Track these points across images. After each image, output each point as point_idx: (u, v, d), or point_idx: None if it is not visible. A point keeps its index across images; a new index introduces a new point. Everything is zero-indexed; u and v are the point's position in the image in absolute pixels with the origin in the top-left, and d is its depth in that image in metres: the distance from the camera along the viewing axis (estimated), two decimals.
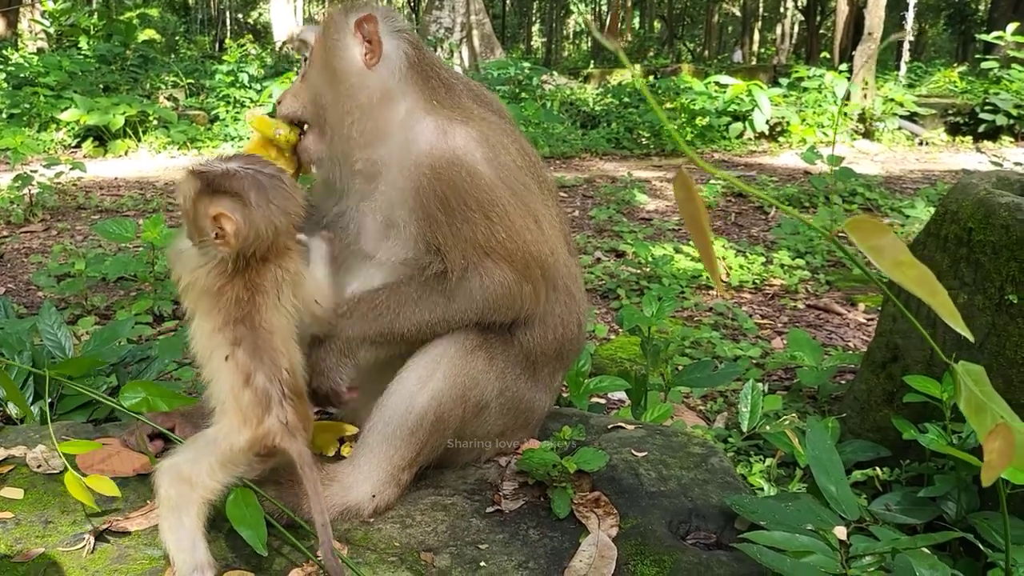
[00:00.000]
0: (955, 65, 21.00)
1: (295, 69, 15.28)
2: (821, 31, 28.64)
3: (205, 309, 1.98)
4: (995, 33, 15.09)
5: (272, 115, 2.42)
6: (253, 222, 1.92)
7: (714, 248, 1.12)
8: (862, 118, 13.83)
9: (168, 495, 1.89)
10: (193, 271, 1.99)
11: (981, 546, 2.22)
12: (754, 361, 4.61)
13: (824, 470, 2.30)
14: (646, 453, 2.53)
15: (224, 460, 1.93)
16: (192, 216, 1.98)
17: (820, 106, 13.83)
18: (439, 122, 2.22)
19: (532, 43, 44.80)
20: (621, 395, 3.97)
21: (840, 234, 1.12)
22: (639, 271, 6.16)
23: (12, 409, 2.93)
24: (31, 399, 2.97)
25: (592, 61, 30.72)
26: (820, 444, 2.38)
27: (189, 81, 15.47)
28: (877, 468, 2.89)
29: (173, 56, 18.83)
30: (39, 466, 2.40)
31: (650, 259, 6.09)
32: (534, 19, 47.10)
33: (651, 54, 32.83)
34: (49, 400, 3.02)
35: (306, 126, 2.36)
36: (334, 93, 2.25)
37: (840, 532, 2.02)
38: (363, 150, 2.26)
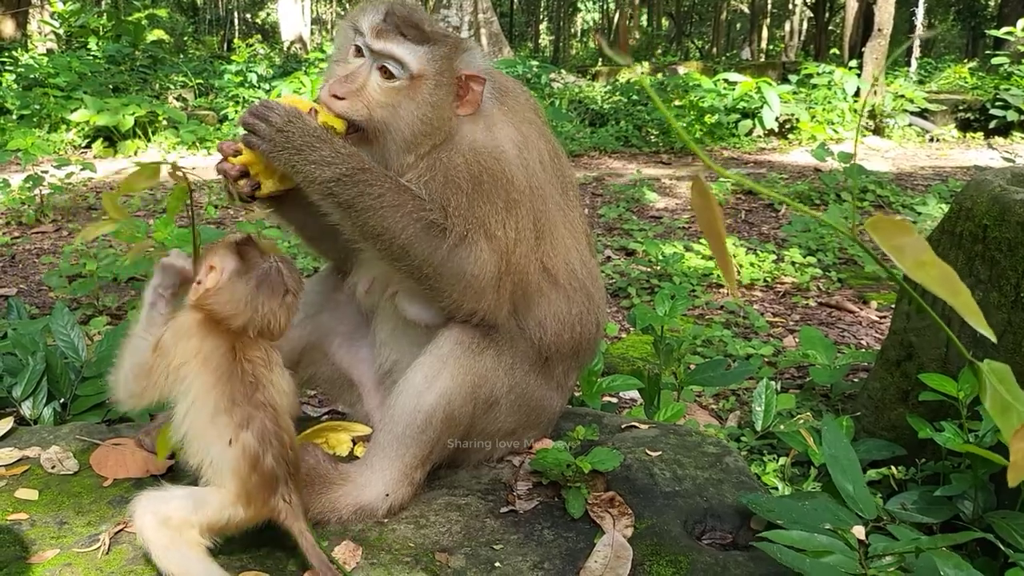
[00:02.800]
0: (965, 61, 20.91)
1: (304, 68, 15.29)
2: (830, 27, 28.54)
3: (204, 388, 1.90)
4: (1005, 28, 15.02)
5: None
6: (233, 291, 1.92)
7: (727, 248, 1.12)
8: (872, 115, 13.77)
9: (156, 539, 1.84)
10: (189, 339, 1.93)
11: (1001, 546, 2.20)
12: (766, 359, 4.60)
13: (841, 469, 2.29)
14: (660, 453, 2.52)
15: (217, 527, 1.89)
16: (204, 258, 2.00)
17: (830, 103, 13.77)
18: (487, 122, 2.28)
19: (540, 41, 44.77)
20: (634, 394, 3.96)
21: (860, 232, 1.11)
22: (649, 269, 6.14)
23: (26, 410, 2.94)
24: (44, 400, 2.97)
25: (600, 59, 30.67)
26: (837, 443, 2.37)
27: (198, 81, 15.49)
28: (892, 467, 2.87)
29: (182, 56, 18.87)
30: (53, 467, 2.40)
31: (660, 257, 6.07)
32: (542, 17, 47.06)
33: (659, 51, 32.73)
34: (63, 400, 3.03)
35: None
36: (423, 123, 2.22)
37: (858, 531, 2.01)
38: (418, 158, 2.26)
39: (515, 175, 2.24)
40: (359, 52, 2.27)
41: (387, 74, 2.21)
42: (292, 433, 2.00)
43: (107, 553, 2.02)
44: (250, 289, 1.93)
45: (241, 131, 2.22)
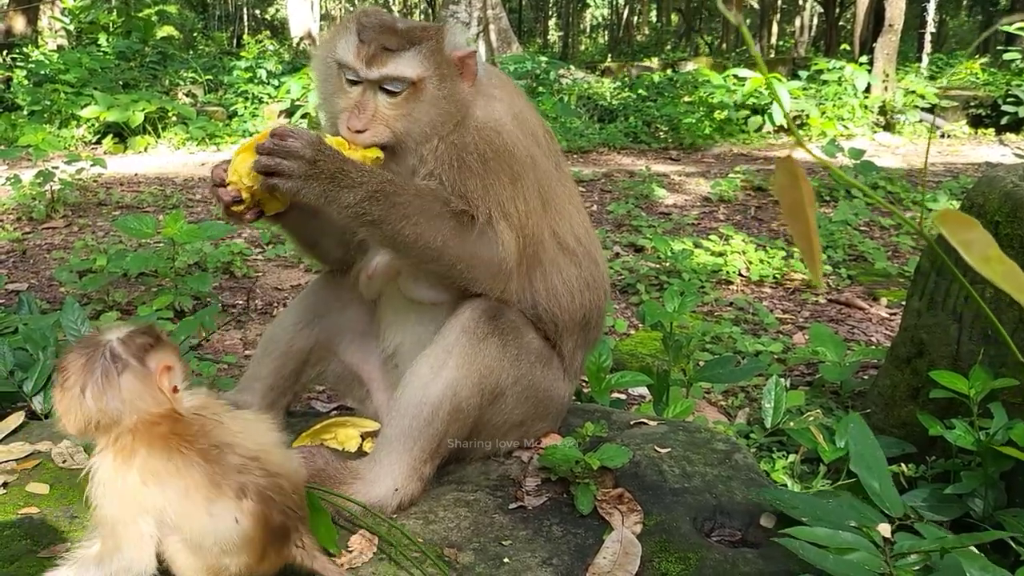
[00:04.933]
0: (977, 56, 20.77)
1: (309, 63, 15.29)
2: (840, 23, 28.39)
3: (184, 499, 1.69)
4: (1018, 24, 14.92)
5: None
6: (81, 406, 1.69)
7: (816, 234, 1.02)
8: (883, 111, 13.70)
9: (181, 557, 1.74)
10: (126, 480, 1.70)
11: (1013, 544, 2.19)
12: (775, 356, 4.58)
13: (866, 465, 2.26)
14: (669, 449, 2.51)
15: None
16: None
17: (840, 99, 13.71)
18: (484, 100, 2.34)
19: (549, 37, 44.67)
20: (642, 390, 3.95)
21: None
22: (658, 266, 6.13)
23: (37, 405, 2.95)
24: None
25: (609, 55, 30.61)
26: (863, 439, 2.35)
27: (207, 77, 15.51)
28: (902, 464, 2.86)
29: (191, 52, 18.89)
30: (64, 461, 2.42)
31: (669, 254, 6.06)
32: (551, 13, 46.96)
33: (668, 47, 32.66)
34: None
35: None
36: (441, 113, 2.27)
37: (884, 529, 1.99)
38: (440, 139, 2.30)
39: (516, 146, 2.31)
40: (354, 81, 2.28)
41: (391, 92, 2.25)
42: (286, 470, 1.84)
43: None
44: (79, 390, 1.69)
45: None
